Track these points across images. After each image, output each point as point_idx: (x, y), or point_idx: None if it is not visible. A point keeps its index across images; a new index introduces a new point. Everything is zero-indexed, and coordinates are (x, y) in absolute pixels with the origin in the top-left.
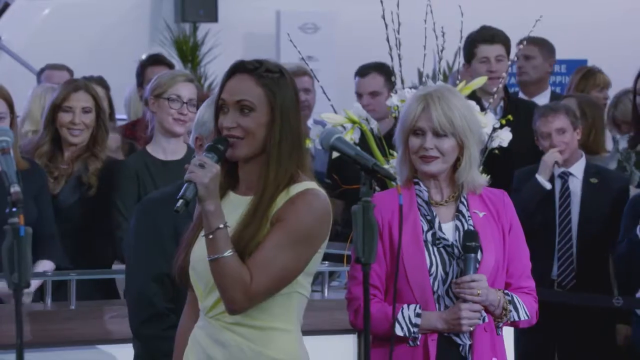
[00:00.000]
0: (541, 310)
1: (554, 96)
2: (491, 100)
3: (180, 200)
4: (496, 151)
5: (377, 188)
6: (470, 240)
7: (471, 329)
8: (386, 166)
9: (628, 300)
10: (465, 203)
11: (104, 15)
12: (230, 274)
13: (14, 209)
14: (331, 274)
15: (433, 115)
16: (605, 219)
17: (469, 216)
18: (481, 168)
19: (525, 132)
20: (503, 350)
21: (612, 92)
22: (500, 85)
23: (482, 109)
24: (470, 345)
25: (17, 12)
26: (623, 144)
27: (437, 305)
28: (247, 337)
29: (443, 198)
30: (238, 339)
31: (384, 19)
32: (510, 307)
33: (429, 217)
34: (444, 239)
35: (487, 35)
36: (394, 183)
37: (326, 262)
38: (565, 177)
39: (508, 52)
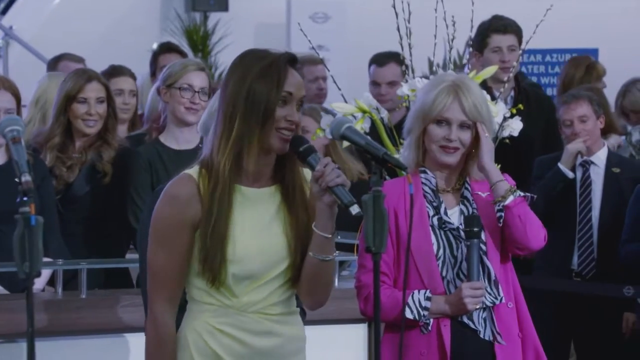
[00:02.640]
0: (558, 300)
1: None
2: (502, 89)
3: (356, 205)
4: (507, 140)
5: (387, 177)
6: (471, 225)
7: (477, 306)
8: (396, 156)
9: (638, 290)
10: (469, 189)
11: (115, 4)
12: (333, 273)
13: (25, 198)
14: (341, 263)
15: (465, 106)
16: (626, 209)
17: (472, 200)
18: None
19: (536, 121)
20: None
21: (622, 82)
22: (511, 75)
23: (493, 98)
24: (494, 328)
25: (28, 2)
26: (636, 135)
27: (446, 289)
28: (292, 324)
29: (450, 185)
30: (285, 327)
31: (394, 8)
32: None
33: (435, 204)
34: (449, 222)
35: (500, 25)
36: (404, 172)
37: (337, 252)
38: (586, 165)
39: (520, 41)
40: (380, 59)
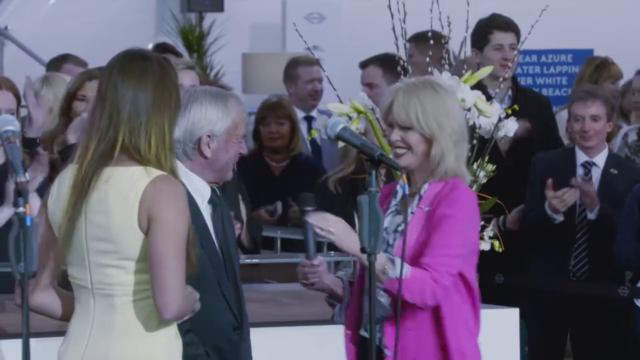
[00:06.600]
0: (553, 301)
1: None
2: (497, 89)
3: None
4: (502, 141)
5: (383, 178)
6: (305, 204)
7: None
8: (392, 156)
9: (633, 290)
10: (420, 197)
11: (110, 4)
12: None
13: (20, 199)
14: (337, 264)
15: (394, 108)
16: (620, 210)
17: (411, 212)
18: (487, 158)
19: (535, 121)
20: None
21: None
22: (508, 74)
23: (489, 97)
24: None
25: (23, 2)
26: (632, 136)
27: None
28: None
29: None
30: None
31: (389, 8)
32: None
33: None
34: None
35: (502, 22)
36: (399, 173)
37: (332, 252)
38: (588, 166)
39: (519, 41)
40: (363, 62)
